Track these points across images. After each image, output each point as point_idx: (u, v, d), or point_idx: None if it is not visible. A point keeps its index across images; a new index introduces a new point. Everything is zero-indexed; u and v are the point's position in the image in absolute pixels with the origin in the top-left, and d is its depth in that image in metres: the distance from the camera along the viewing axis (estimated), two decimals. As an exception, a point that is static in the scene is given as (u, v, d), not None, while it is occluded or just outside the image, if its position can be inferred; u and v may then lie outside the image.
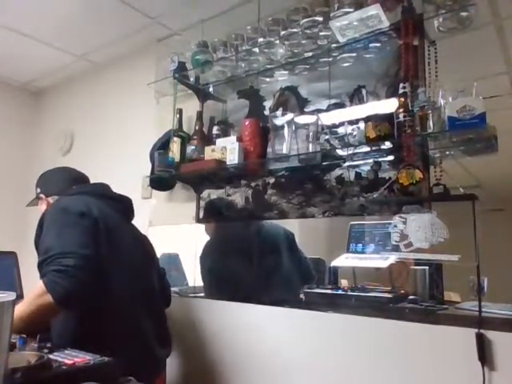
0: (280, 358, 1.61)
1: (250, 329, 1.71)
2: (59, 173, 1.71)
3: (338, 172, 1.77)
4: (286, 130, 1.73)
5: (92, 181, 1.72)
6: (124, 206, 1.61)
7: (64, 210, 1.33)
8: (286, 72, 2.00)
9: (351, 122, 1.57)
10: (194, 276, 2.18)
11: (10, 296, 0.67)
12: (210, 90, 2.23)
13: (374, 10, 1.50)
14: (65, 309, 1.18)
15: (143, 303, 1.43)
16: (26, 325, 1.10)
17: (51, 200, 1.60)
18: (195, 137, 2.04)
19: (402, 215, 1.40)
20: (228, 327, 1.76)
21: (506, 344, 1.19)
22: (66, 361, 0.81)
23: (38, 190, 1.68)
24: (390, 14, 1.54)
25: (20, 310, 1.17)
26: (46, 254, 1.21)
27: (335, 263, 1.69)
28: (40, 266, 1.22)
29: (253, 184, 2.04)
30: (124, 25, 2.45)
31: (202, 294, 1.99)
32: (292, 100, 1.95)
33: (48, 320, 1.20)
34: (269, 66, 1.99)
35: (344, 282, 1.72)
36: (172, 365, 1.83)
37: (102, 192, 1.56)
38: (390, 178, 1.57)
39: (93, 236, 1.29)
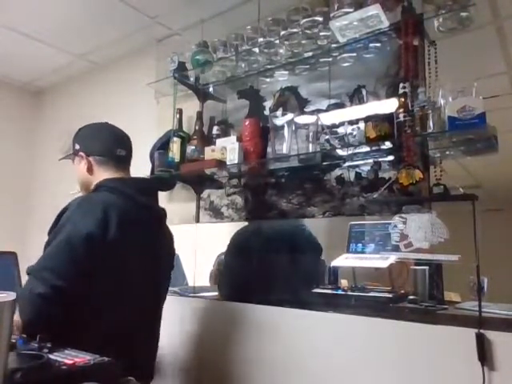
0: (279, 357, 1.61)
1: (251, 328, 1.71)
2: (101, 130, 1.53)
3: (338, 172, 1.77)
4: (286, 129, 1.73)
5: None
6: (157, 219, 1.48)
7: (74, 226, 1.22)
8: (286, 72, 2.00)
9: (351, 122, 1.57)
10: (193, 276, 2.18)
11: (10, 296, 0.68)
12: (210, 90, 2.23)
13: (374, 10, 1.50)
14: (29, 333, 1.11)
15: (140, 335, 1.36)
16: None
17: (93, 160, 1.45)
18: (195, 137, 2.04)
19: (402, 215, 1.40)
20: (229, 327, 1.76)
21: (506, 344, 1.19)
22: (66, 361, 0.81)
23: (77, 147, 1.49)
24: (390, 14, 1.54)
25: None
26: (31, 267, 1.18)
27: (335, 263, 1.69)
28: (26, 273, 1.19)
29: (253, 184, 2.04)
30: (124, 25, 2.45)
31: (202, 294, 1.99)
32: (292, 100, 1.95)
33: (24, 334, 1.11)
34: (269, 66, 1.99)
35: (344, 282, 1.71)
36: (171, 364, 1.84)
37: (143, 201, 1.41)
38: (389, 178, 1.57)
39: (87, 265, 1.20)
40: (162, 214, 1.51)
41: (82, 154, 1.46)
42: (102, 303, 1.25)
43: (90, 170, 1.45)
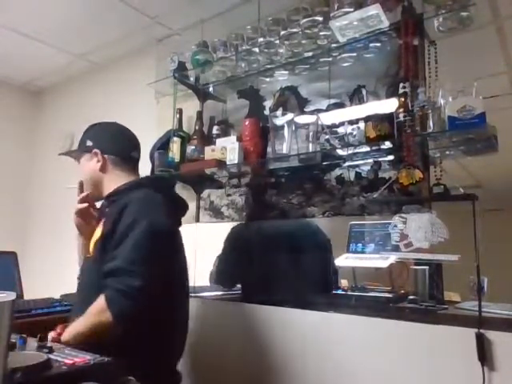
0: (280, 357, 1.61)
1: (251, 328, 1.71)
2: (117, 130, 1.52)
3: (337, 172, 1.77)
4: (285, 129, 1.73)
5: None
6: (184, 212, 1.54)
7: (150, 219, 1.22)
8: (286, 72, 2.00)
9: (351, 122, 1.57)
10: (193, 276, 2.17)
11: (10, 296, 0.67)
12: (210, 90, 2.23)
13: (374, 9, 1.50)
14: (123, 328, 1.13)
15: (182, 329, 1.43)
16: (84, 339, 1.09)
17: (108, 159, 1.43)
18: (195, 137, 2.04)
19: (402, 215, 1.40)
20: (229, 327, 1.76)
21: (506, 344, 1.19)
22: (66, 361, 0.81)
23: (90, 143, 1.45)
24: (390, 14, 1.54)
25: (79, 323, 1.16)
26: (114, 265, 1.17)
27: (335, 263, 1.69)
28: (106, 275, 1.17)
29: (253, 184, 2.04)
30: (124, 25, 2.45)
31: (202, 294, 1.99)
32: (292, 100, 1.95)
33: (105, 337, 1.11)
34: (269, 66, 1.99)
35: (344, 282, 1.71)
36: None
37: (176, 196, 1.49)
38: (389, 178, 1.57)
39: (165, 254, 1.24)
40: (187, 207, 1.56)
41: (96, 151, 1.44)
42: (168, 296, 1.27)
43: (103, 168, 1.43)
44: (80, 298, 1.37)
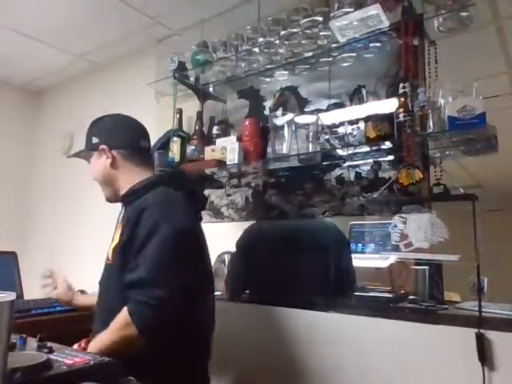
0: (280, 358, 1.61)
1: (251, 328, 1.71)
2: (121, 121, 1.42)
3: (338, 172, 1.77)
4: (285, 129, 1.73)
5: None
6: (204, 207, 1.49)
7: (172, 223, 1.17)
8: (286, 72, 2.00)
9: (351, 122, 1.57)
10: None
11: (10, 296, 0.67)
12: (210, 89, 2.23)
13: (374, 9, 1.50)
14: (148, 340, 1.09)
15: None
16: (110, 354, 1.01)
17: (117, 154, 1.35)
18: (195, 137, 2.04)
19: (402, 215, 1.40)
20: (228, 327, 1.76)
21: (506, 344, 1.19)
22: (66, 361, 0.81)
23: (96, 140, 1.37)
24: (390, 14, 1.54)
25: (103, 338, 1.12)
26: (136, 276, 1.12)
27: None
28: (128, 287, 1.13)
29: (253, 184, 2.04)
30: (124, 25, 2.45)
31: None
32: (292, 100, 1.95)
33: (130, 352, 1.07)
34: (269, 66, 1.99)
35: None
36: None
37: (194, 191, 1.39)
38: (389, 178, 1.57)
39: (190, 257, 1.19)
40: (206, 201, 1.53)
41: (103, 147, 1.35)
42: (195, 298, 1.23)
43: (114, 164, 1.35)
44: (102, 307, 1.31)
